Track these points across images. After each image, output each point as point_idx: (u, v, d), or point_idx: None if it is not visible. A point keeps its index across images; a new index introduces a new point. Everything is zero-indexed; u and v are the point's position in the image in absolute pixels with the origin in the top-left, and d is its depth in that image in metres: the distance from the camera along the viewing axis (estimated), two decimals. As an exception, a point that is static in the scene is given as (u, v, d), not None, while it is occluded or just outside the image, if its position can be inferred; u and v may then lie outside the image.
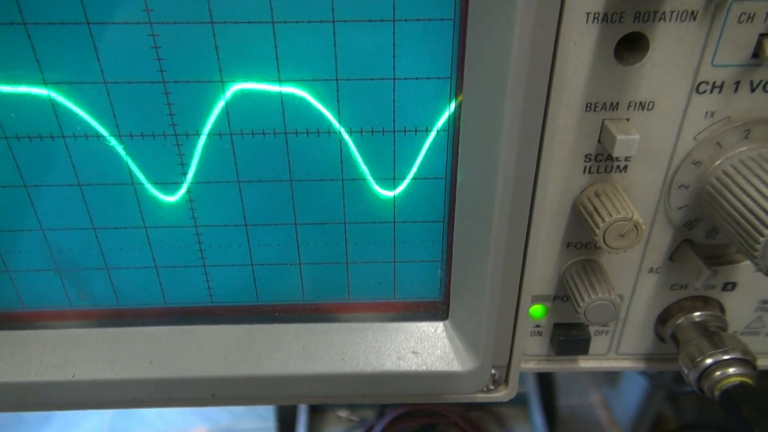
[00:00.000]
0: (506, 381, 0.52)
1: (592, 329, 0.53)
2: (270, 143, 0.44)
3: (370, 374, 0.49)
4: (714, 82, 0.41)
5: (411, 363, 0.49)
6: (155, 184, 0.46)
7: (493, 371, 0.51)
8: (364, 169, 0.46)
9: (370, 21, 0.40)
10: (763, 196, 0.40)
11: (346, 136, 0.44)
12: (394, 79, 0.42)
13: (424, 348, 0.50)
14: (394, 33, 0.40)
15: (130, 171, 0.45)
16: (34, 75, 0.41)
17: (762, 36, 0.40)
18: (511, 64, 0.36)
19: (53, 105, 0.42)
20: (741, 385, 0.45)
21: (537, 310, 0.52)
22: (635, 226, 0.42)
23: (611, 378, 1.19)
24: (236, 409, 1.23)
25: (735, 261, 0.49)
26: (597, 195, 0.44)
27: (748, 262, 0.49)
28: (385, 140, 0.44)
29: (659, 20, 0.39)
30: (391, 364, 0.49)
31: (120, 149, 0.44)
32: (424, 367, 0.49)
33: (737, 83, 0.41)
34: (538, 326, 0.53)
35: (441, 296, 0.52)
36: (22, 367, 0.49)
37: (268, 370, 0.49)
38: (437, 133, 0.44)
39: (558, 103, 0.38)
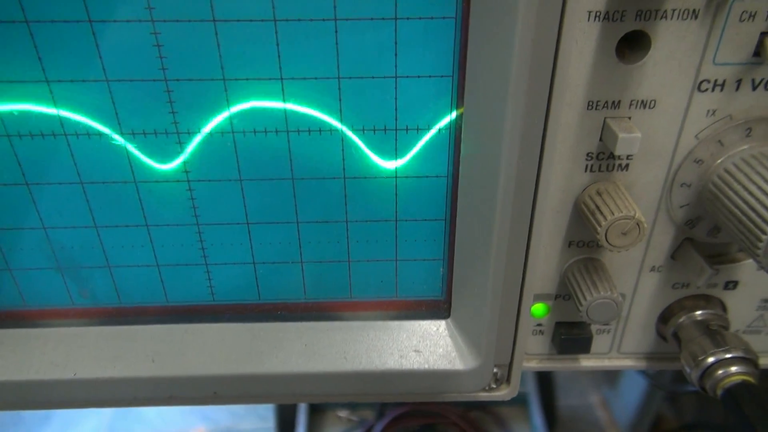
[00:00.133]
0: (508, 380, 0.52)
1: (593, 328, 0.53)
2: (272, 141, 0.44)
3: (372, 373, 0.49)
4: (715, 81, 0.41)
5: (413, 361, 0.49)
6: (157, 182, 0.46)
7: (495, 370, 0.51)
8: (365, 167, 0.46)
9: (371, 19, 0.40)
10: (765, 194, 0.40)
11: (348, 134, 0.44)
12: (396, 77, 0.42)
13: (427, 346, 0.50)
14: (395, 31, 0.40)
15: (132, 169, 0.45)
16: (36, 73, 0.41)
17: (763, 34, 0.40)
18: (513, 63, 0.36)
19: (55, 102, 0.42)
20: (743, 384, 0.45)
21: (539, 308, 0.52)
22: (637, 224, 0.42)
23: (611, 378, 1.19)
24: (236, 409, 1.22)
25: (737, 259, 0.49)
26: (599, 193, 0.44)
27: (749, 261, 0.49)
28: (387, 138, 0.44)
29: (661, 18, 0.39)
30: (393, 362, 0.49)
31: (122, 147, 0.44)
32: (426, 366, 0.49)
33: (738, 82, 0.41)
34: (539, 325, 0.53)
35: (443, 295, 0.52)
36: (23, 366, 0.49)
37: (270, 368, 0.49)
38: (439, 132, 0.44)
39: (560, 102, 0.38)
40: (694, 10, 0.39)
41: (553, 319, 0.53)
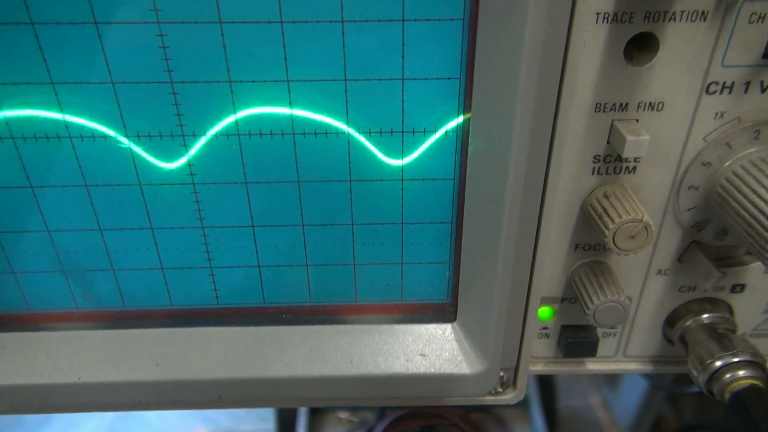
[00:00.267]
0: (514, 383, 0.52)
1: (599, 331, 0.53)
2: (278, 144, 0.44)
3: (378, 377, 0.49)
4: (724, 83, 0.41)
5: (419, 365, 0.49)
6: (162, 185, 0.45)
7: (501, 374, 0.50)
8: (371, 170, 0.45)
9: (379, 21, 0.40)
10: (774, 197, 0.40)
11: (354, 137, 0.44)
12: (403, 79, 0.42)
13: (432, 350, 0.50)
14: (403, 33, 0.40)
15: (136, 171, 0.45)
16: (41, 75, 0.41)
17: (773, 36, 0.39)
18: (522, 65, 0.36)
19: (60, 104, 0.42)
20: (751, 388, 0.45)
21: (545, 311, 0.52)
22: (645, 227, 0.42)
23: (611, 379, 1.19)
24: (236, 411, 1.22)
25: (744, 263, 0.49)
26: (606, 196, 0.44)
27: (756, 264, 0.49)
28: (394, 140, 0.44)
29: (669, 20, 0.39)
30: (399, 366, 0.49)
31: (127, 150, 0.44)
32: (432, 370, 0.49)
33: (747, 84, 0.41)
34: (545, 328, 0.53)
35: (449, 298, 0.52)
36: (27, 369, 0.49)
37: (274, 372, 0.49)
38: (445, 134, 0.44)
39: (569, 104, 0.38)
40: (703, 12, 0.38)
41: (559, 322, 0.53)
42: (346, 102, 0.42)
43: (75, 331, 0.51)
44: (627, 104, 0.42)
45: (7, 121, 0.42)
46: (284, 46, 0.40)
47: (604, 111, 0.42)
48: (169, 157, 0.44)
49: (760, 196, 0.40)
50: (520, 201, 0.41)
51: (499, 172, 0.41)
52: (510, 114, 0.38)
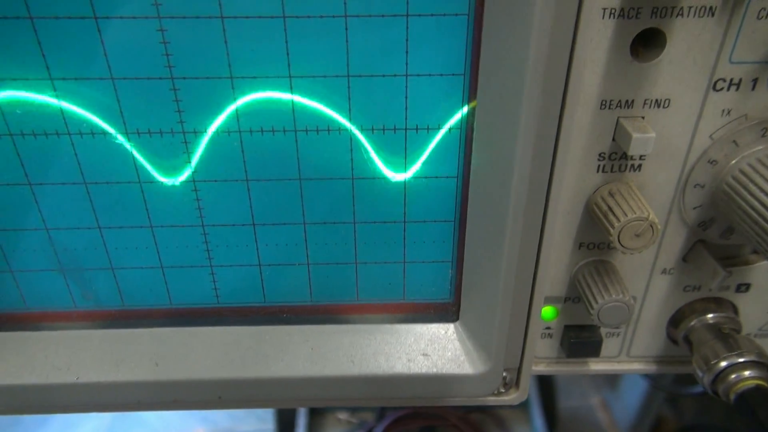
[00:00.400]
0: (517, 384, 0.51)
1: (603, 331, 0.52)
2: (279, 141, 0.44)
3: (380, 377, 0.48)
4: (731, 80, 0.41)
5: (421, 365, 0.49)
6: (162, 182, 0.45)
7: (504, 374, 0.50)
8: (374, 167, 0.45)
9: (382, 16, 0.39)
10: (781, 195, 0.39)
11: (356, 134, 0.43)
12: (407, 75, 0.41)
13: (435, 350, 0.49)
14: (407, 28, 0.39)
15: (136, 169, 0.44)
16: (39, 70, 0.40)
17: (781, 33, 0.39)
18: (529, 61, 0.35)
19: (59, 101, 0.41)
20: (757, 389, 0.45)
21: (548, 311, 0.51)
22: (651, 225, 0.41)
23: (612, 380, 1.19)
24: (235, 411, 1.22)
25: (749, 262, 0.49)
26: (611, 194, 0.44)
27: (762, 263, 0.49)
28: (397, 138, 0.44)
29: (677, 16, 0.38)
30: (401, 366, 0.49)
31: (126, 147, 0.43)
32: (435, 370, 0.48)
33: (755, 81, 0.41)
34: (548, 328, 0.53)
35: (452, 297, 0.51)
36: (25, 369, 0.48)
37: (275, 372, 0.48)
38: (449, 131, 0.44)
39: (575, 101, 0.38)
40: (710, 8, 0.38)
41: (562, 322, 0.52)
42: (349, 98, 0.42)
43: (73, 331, 0.50)
44: (633, 101, 0.41)
45: (5, 117, 0.42)
46: (286, 42, 0.40)
47: (609, 108, 0.42)
48: (170, 154, 0.44)
49: (767, 194, 0.40)
50: (525, 199, 0.41)
51: (503, 170, 0.40)
52: (515, 111, 0.37)
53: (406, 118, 0.43)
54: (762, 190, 0.40)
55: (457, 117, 0.43)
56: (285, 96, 0.42)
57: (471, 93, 0.42)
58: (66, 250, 0.48)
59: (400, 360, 0.49)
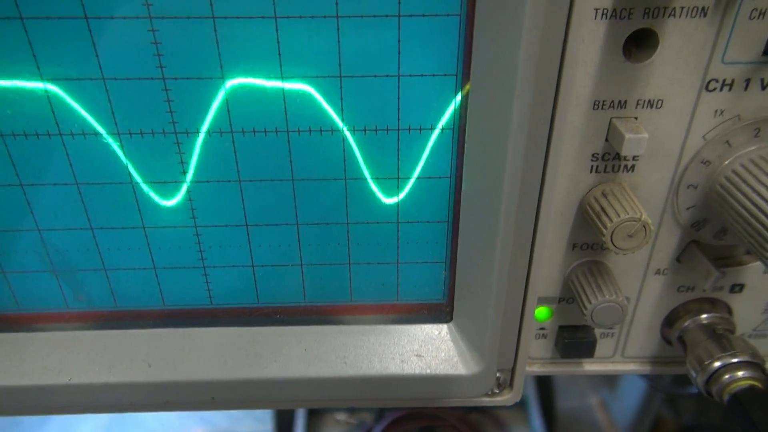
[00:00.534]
0: (511, 384, 0.51)
1: (597, 332, 0.52)
2: (272, 141, 0.43)
3: (373, 378, 0.48)
4: (724, 80, 0.41)
5: (414, 366, 0.48)
6: (154, 183, 0.45)
7: (497, 374, 0.50)
8: (367, 168, 0.45)
9: (374, 16, 0.39)
10: (774, 195, 0.39)
11: (349, 135, 0.43)
12: (399, 76, 0.41)
13: (428, 351, 0.49)
14: (399, 29, 0.39)
15: (128, 170, 0.44)
16: (30, 70, 0.40)
17: (773, 33, 0.39)
18: (520, 62, 0.35)
19: (50, 101, 0.41)
20: (750, 389, 0.45)
21: (542, 312, 0.51)
22: (644, 226, 0.41)
23: (610, 380, 1.19)
24: (233, 412, 1.21)
25: (743, 262, 0.49)
26: (604, 195, 0.44)
27: (756, 264, 0.49)
28: (389, 139, 0.44)
29: (669, 16, 0.38)
30: (395, 367, 0.48)
31: (118, 147, 0.43)
32: (428, 371, 0.48)
33: (747, 81, 0.41)
34: (542, 329, 0.52)
35: (445, 298, 0.51)
36: (17, 371, 0.48)
37: (268, 373, 0.48)
38: (442, 132, 0.43)
39: (566, 101, 0.38)
40: (703, 8, 0.38)
41: (556, 322, 0.52)
42: (341, 99, 0.42)
43: (65, 332, 0.50)
44: (626, 101, 0.41)
45: (-4, 118, 0.42)
46: (278, 43, 0.40)
47: (602, 108, 0.42)
48: (162, 154, 0.44)
49: (760, 195, 0.40)
50: (517, 200, 0.41)
51: (495, 170, 0.40)
52: (507, 111, 0.37)
53: (398, 119, 0.43)
54: (755, 190, 0.40)
55: (449, 117, 0.43)
56: (277, 96, 0.42)
57: (463, 92, 0.41)
58: (58, 251, 0.48)
59: (393, 361, 0.49)
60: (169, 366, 0.48)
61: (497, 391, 0.51)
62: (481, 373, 0.48)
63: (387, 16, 0.39)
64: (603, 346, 0.54)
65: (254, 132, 0.43)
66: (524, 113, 0.37)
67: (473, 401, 0.51)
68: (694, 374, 0.48)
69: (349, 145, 0.44)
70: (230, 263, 0.49)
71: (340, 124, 0.43)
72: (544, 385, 1.12)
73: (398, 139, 0.44)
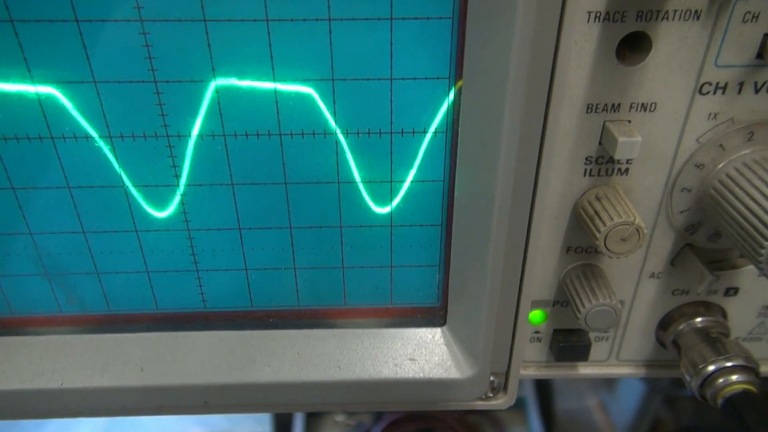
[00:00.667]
0: (505, 388, 0.51)
1: (592, 335, 0.52)
2: (264, 145, 0.43)
3: (367, 381, 0.48)
4: (717, 83, 0.41)
5: (408, 370, 0.48)
6: (146, 186, 0.45)
7: (491, 378, 0.50)
8: (360, 171, 0.45)
9: (366, 19, 0.39)
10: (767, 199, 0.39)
11: (342, 138, 0.43)
12: (392, 79, 0.41)
13: (422, 355, 0.49)
14: (391, 32, 0.39)
15: (120, 173, 0.44)
16: (21, 73, 0.40)
17: (766, 36, 0.39)
18: (511, 65, 0.35)
19: (41, 105, 0.41)
20: (744, 393, 0.45)
21: (536, 315, 0.51)
22: (637, 230, 0.41)
23: (609, 382, 1.19)
24: (232, 414, 1.21)
25: (737, 266, 0.49)
26: (598, 198, 0.43)
27: (750, 267, 0.48)
28: (382, 142, 0.43)
29: (662, 19, 0.38)
30: (388, 371, 0.48)
31: (110, 151, 0.43)
32: (422, 374, 0.48)
33: (741, 84, 0.41)
34: (537, 332, 0.52)
35: (439, 302, 0.51)
36: (8, 375, 0.48)
37: (262, 377, 0.48)
38: (435, 135, 0.43)
39: (559, 105, 0.37)
40: (696, 11, 0.38)
41: (551, 326, 0.52)
42: (334, 102, 0.42)
43: (58, 336, 0.50)
44: (619, 105, 0.41)
45: (-13, 122, 0.42)
46: (270, 45, 0.40)
47: (595, 112, 0.41)
48: (154, 158, 0.43)
49: (753, 198, 0.40)
50: (510, 203, 0.40)
51: (488, 173, 0.40)
52: (499, 114, 0.37)
53: (391, 122, 0.43)
54: (748, 194, 0.40)
55: (442, 120, 0.43)
56: (269, 100, 0.41)
57: (457, 96, 0.41)
58: (50, 254, 0.47)
59: (387, 365, 0.49)
60: (161, 370, 0.48)
61: (491, 395, 0.51)
62: (475, 377, 0.48)
63: (379, 19, 0.39)
64: (598, 350, 0.53)
65: (246, 135, 0.43)
66: (516, 116, 0.37)
67: (467, 405, 0.51)
68: (688, 378, 0.48)
69: (342, 149, 0.44)
70: (223, 267, 0.49)
71: (333, 127, 0.43)
72: (543, 386, 1.12)
73: (391, 143, 0.44)
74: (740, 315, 0.51)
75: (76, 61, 0.40)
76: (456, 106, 0.42)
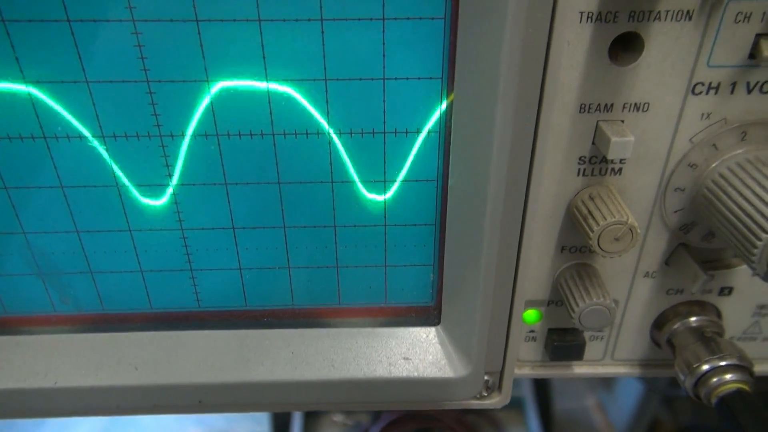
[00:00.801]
0: (499, 387, 0.51)
1: (587, 334, 0.52)
2: (257, 144, 0.43)
3: (361, 381, 0.48)
4: (710, 83, 0.41)
5: (402, 369, 0.48)
6: (140, 186, 0.45)
7: (486, 377, 0.50)
8: (354, 171, 0.45)
9: (359, 20, 0.39)
10: (760, 199, 0.39)
11: (335, 138, 0.43)
12: (384, 79, 0.41)
13: (416, 354, 0.49)
14: (383, 32, 0.39)
15: (113, 173, 0.44)
16: (13, 73, 0.40)
17: (759, 36, 0.39)
18: (503, 64, 0.35)
19: (34, 104, 0.41)
20: (738, 392, 0.45)
21: (531, 314, 0.51)
22: (630, 229, 0.41)
23: (607, 382, 1.19)
24: (230, 413, 1.21)
25: (731, 265, 0.49)
26: (591, 198, 0.43)
27: (744, 267, 0.48)
28: (376, 142, 0.43)
29: (654, 20, 0.38)
30: (382, 370, 0.48)
31: (103, 150, 0.43)
32: (416, 374, 0.48)
33: (733, 84, 0.41)
34: (532, 331, 0.52)
35: (433, 301, 0.51)
36: (2, 374, 0.48)
37: (256, 376, 0.48)
38: (428, 135, 0.43)
39: (551, 104, 0.37)
40: (688, 11, 0.38)
41: (545, 325, 0.52)
42: (327, 102, 0.42)
43: (52, 335, 0.50)
44: (612, 105, 0.41)
45: (-20, 122, 0.42)
46: (262, 46, 0.40)
47: (589, 112, 0.41)
48: (147, 157, 0.43)
49: (746, 198, 0.40)
50: (503, 202, 0.40)
51: (480, 173, 0.40)
52: (491, 114, 0.37)
53: (384, 122, 0.43)
54: (741, 194, 0.40)
55: (435, 120, 0.43)
56: (262, 99, 0.41)
57: (449, 95, 0.41)
58: (44, 254, 0.47)
59: (381, 364, 0.49)
60: (156, 369, 0.48)
61: (486, 394, 0.51)
62: (469, 376, 0.48)
63: (371, 19, 0.39)
64: (592, 349, 0.53)
65: (240, 135, 0.43)
66: (508, 115, 0.37)
67: (462, 404, 0.51)
68: (682, 377, 0.48)
69: (336, 148, 0.44)
70: (218, 266, 0.49)
71: (326, 126, 0.43)
72: (541, 386, 1.12)
73: (384, 142, 0.44)
74: (734, 314, 0.51)
75: (69, 61, 0.40)
76: (449, 105, 0.42)
